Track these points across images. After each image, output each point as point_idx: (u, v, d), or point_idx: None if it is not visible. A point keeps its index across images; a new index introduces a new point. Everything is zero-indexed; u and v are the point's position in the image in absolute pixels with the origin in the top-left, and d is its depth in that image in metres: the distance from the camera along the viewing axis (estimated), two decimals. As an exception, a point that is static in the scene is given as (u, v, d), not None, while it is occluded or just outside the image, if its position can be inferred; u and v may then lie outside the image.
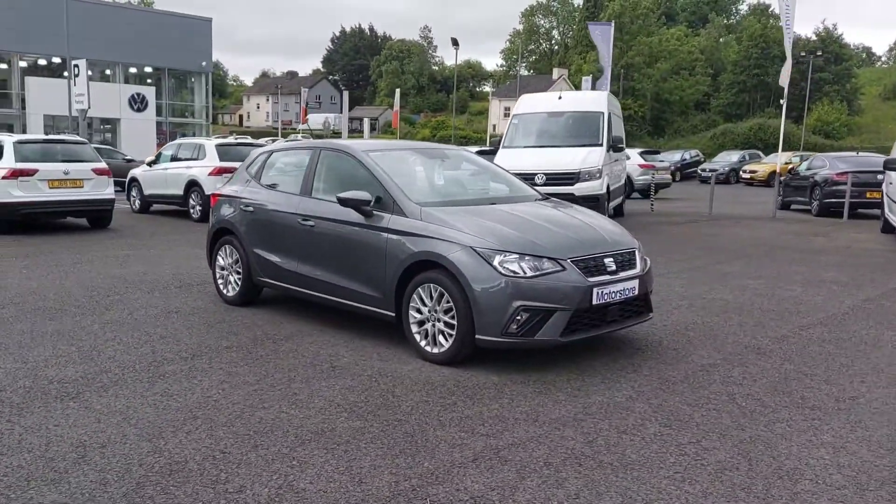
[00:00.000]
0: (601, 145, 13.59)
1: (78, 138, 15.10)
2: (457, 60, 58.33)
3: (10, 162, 12.33)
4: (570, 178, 12.93)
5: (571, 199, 12.66)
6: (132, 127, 38.04)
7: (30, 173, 12.24)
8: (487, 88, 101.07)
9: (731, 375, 4.85)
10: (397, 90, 55.79)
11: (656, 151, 27.71)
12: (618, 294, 5.01)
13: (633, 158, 23.51)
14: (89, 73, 40.00)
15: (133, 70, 42.33)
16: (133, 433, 3.74)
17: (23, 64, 38.36)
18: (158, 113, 40.67)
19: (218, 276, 6.93)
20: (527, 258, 4.77)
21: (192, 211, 14.66)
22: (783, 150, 40.89)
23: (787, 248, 11.40)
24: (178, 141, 17.24)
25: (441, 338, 4.97)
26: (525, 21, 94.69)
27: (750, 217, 16.93)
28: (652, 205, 18.23)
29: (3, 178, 12.16)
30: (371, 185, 5.52)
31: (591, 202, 12.86)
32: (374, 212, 5.40)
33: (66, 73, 39.96)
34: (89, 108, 20.72)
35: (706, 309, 6.85)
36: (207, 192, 13.66)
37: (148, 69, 42.69)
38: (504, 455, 3.54)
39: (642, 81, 66.44)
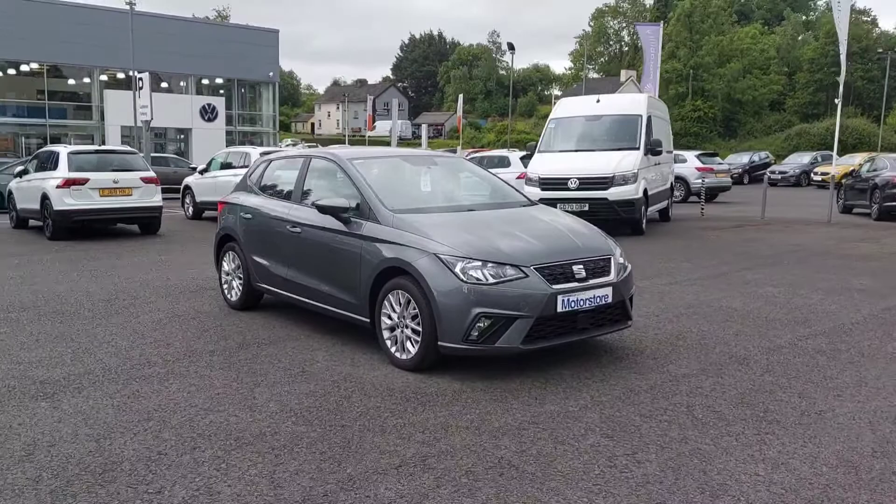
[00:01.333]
0: (638, 149, 13.35)
1: (128, 148, 15.85)
2: (513, 64, 58.47)
3: (64, 172, 13.06)
4: (604, 182, 12.75)
5: (605, 203, 12.58)
6: (203, 136, 39.47)
7: (82, 182, 12.93)
8: (557, 92, 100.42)
9: (701, 386, 4.71)
10: (460, 95, 55.99)
11: (715, 154, 26.92)
12: (587, 301, 4.94)
13: (690, 161, 22.97)
14: (165, 84, 41.96)
15: (205, 81, 43.97)
16: (85, 433, 3.93)
17: (103, 77, 40.39)
18: (228, 122, 42.05)
19: (223, 281, 7.17)
20: (489, 265, 4.76)
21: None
22: (862, 151, 39.14)
23: (827, 253, 10.92)
24: (227, 149, 17.87)
25: (409, 344, 5.01)
26: (595, 23, 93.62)
27: (803, 221, 16.27)
28: (702, 209, 17.72)
29: (58, 186, 12.89)
30: (352, 192, 5.62)
31: (626, 207, 12.70)
32: (352, 219, 5.49)
33: (164, 86, 42.01)
34: (152, 119, 21.62)
35: (708, 317, 6.66)
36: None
37: (219, 80, 44.24)
38: (430, 463, 3.55)
39: (713, 81, 64.62)
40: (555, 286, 4.80)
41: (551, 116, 14.82)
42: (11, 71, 39.22)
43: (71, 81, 41.60)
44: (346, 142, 60.10)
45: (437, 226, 5.13)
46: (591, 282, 5.01)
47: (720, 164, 24.84)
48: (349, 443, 3.80)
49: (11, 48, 35.90)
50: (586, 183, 12.82)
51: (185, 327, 6.30)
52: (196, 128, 39.69)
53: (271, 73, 43.92)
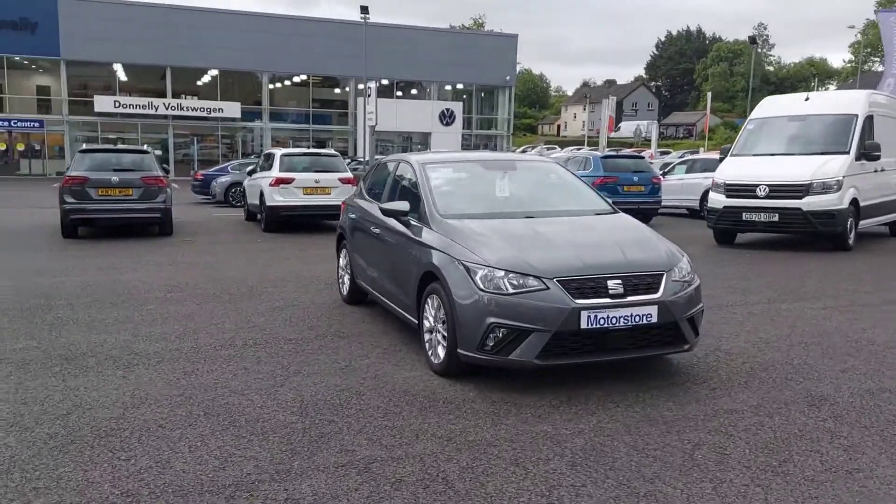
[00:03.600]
0: (847, 153, 11.72)
1: (331, 151, 17.32)
2: (753, 59, 53.34)
3: (276, 171, 14.71)
4: (798, 190, 11.40)
5: (798, 214, 11.26)
6: (440, 140, 41.70)
7: (289, 181, 14.44)
8: (832, 87, 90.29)
9: (735, 425, 4.15)
10: (708, 93, 52.92)
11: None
12: (622, 320, 4.58)
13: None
14: (415, 91, 44.94)
15: (448, 87, 46.40)
16: (123, 402, 4.50)
17: (361, 87, 44.40)
18: (465, 126, 43.96)
19: (338, 276, 7.68)
20: (511, 275, 4.62)
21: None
22: None
23: None
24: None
25: (440, 348, 5.03)
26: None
27: None
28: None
29: (270, 185, 14.54)
30: (418, 195, 5.77)
31: (825, 219, 11.34)
32: (412, 222, 5.63)
33: (398, 94, 45.46)
34: (376, 124, 23.36)
35: (828, 349, 5.76)
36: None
37: (459, 86, 46.41)
38: (371, 467, 3.58)
39: None
40: (580, 301, 4.52)
41: (751, 116, 13.54)
42: (287, 83, 44.65)
43: (337, 91, 46.28)
44: (586, 143, 59.61)
45: (475, 233, 5.08)
46: (631, 299, 4.64)
47: None
48: (319, 439, 3.95)
49: (286, 63, 40.83)
50: (777, 190, 11.55)
51: (289, 316, 6.85)
52: (435, 132, 42.03)
53: (508, 77, 45.07)
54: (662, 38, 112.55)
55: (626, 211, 17.83)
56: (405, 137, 44.42)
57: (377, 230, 6.30)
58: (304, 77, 43.44)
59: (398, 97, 45.71)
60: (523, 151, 56.84)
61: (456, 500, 3.26)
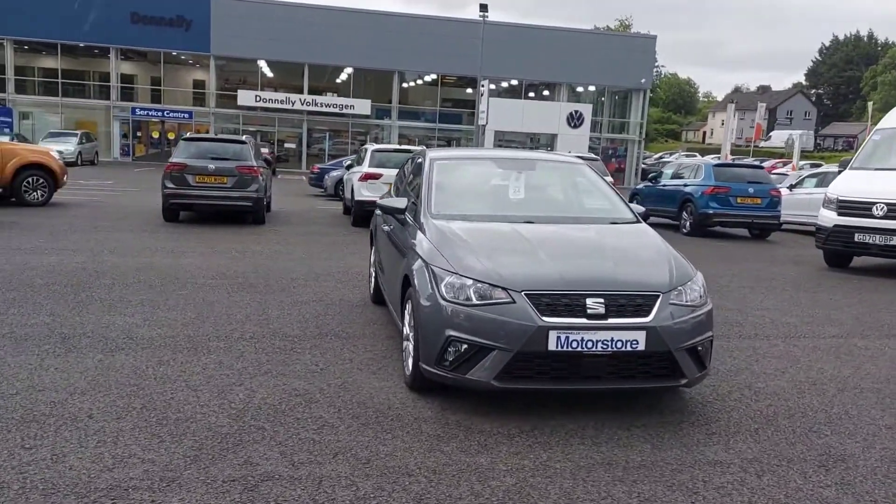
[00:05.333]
0: None
1: (416, 149, 17.15)
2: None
3: (365, 167, 14.76)
4: (922, 211, 9.94)
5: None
6: (567, 142, 40.67)
7: (377, 177, 14.44)
8: None
9: (704, 482, 3.46)
10: (869, 104, 48.28)
11: None
12: (601, 344, 4.00)
13: None
14: (546, 92, 44.26)
15: (580, 89, 45.28)
16: (61, 384, 4.46)
17: (492, 87, 44.25)
18: (593, 129, 42.65)
19: (369, 274, 7.43)
20: (479, 284, 4.15)
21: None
22: None
23: None
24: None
25: (410, 360, 4.63)
26: None
27: None
28: None
29: (359, 179, 14.62)
30: (420, 193, 5.40)
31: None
32: (408, 221, 5.27)
33: (530, 95, 44.98)
34: (486, 123, 23.03)
35: (862, 393, 4.83)
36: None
37: (591, 88, 45.14)
38: (260, 487, 3.25)
39: None
40: (548, 319, 3.98)
41: (878, 126, 11.98)
42: (419, 81, 45.29)
43: (469, 91, 46.36)
44: (728, 152, 56.28)
45: (456, 236, 4.63)
46: (613, 321, 4.04)
47: None
48: (234, 446, 3.67)
49: (418, 62, 41.43)
50: (897, 210, 10.14)
51: (307, 311, 6.65)
52: (562, 133, 40.98)
53: (643, 80, 43.30)
54: (827, 43, 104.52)
55: (740, 225, 16.55)
56: (532, 138, 43.76)
57: (387, 227, 6.00)
58: (434, 76, 43.83)
59: (530, 97, 45.14)
60: (660, 158, 54.53)
61: (321, 535, 2.88)
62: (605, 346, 4.00)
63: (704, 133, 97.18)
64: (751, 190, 15.59)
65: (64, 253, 9.30)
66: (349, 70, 42.39)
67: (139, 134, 42.01)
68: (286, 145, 42.85)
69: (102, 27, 37.96)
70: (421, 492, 3.26)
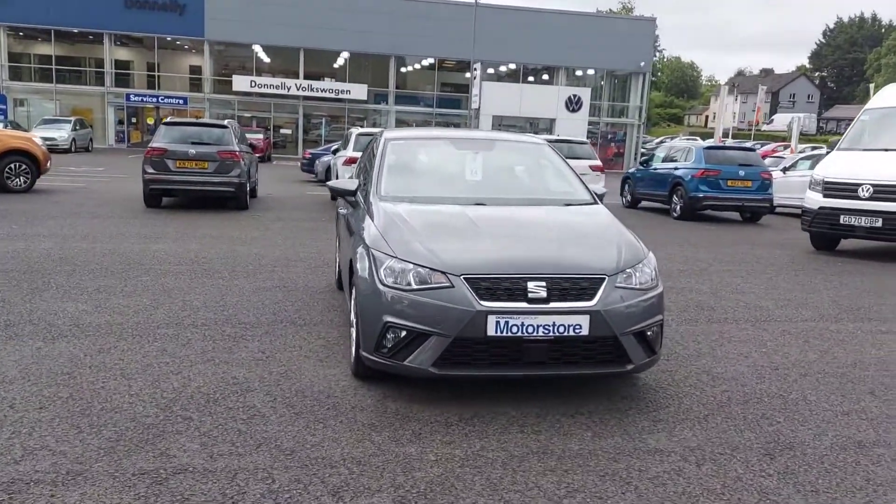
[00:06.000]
0: (978, 150, 9.88)
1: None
2: None
3: (349, 151, 14.58)
4: (908, 192, 9.73)
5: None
6: (565, 126, 40.34)
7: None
8: None
9: (639, 472, 3.31)
10: (871, 86, 47.76)
11: None
12: (542, 329, 3.84)
13: None
14: (546, 77, 43.83)
15: (578, 73, 44.86)
16: (53, 372, 4.33)
17: (491, 71, 43.81)
18: (592, 113, 42.29)
19: (335, 259, 7.28)
20: (419, 269, 3.99)
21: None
22: None
23: None
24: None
25: (353, 347, 4.48)
26: None
27: None
28: None
29: (343, 164, 14.46)
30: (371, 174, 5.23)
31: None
32: (359, 203, 5.11)
33: (529, 79, 44.58)
34: (479, 107, 22.77)
35: (824, 379, 4.67)
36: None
37: (590, 71, 44.72)
38: (170, 481, 3.09)
39: None
40: (487, 303, 3.83)
41: (867, 107, 11.73)
42: (417, 66, 44.89)
43: (468, 75, 45.97)
44: (730, 135, 55.95)
45: (401, 218, 4.46)
46: (555, 305, 3.88)
47: None
48: (154, 437, 3.51)
49: (414, 46, 40.99)
50: (883, 192, 9.92)
51: (264, 298, 6.47)
52: (560, 118, 40.65)
53: (642, 63, 42.87)
54: (831, 25, 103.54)
55: (730, 209, 16.33)
56: (531, 123, 43.41)
57: (342, 211, 5.84)
58: (431, 60, 43.45)
59: (530, 82, 44.73)
60: (661, 143, 54.11)
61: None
62: (546, 332, 3.84)
63: (707, 117, 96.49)
64: (741, 173, 15.37)
65: (34, 239, 9.16)
66: (346, 55, 42.02)
67: (134, 120, 41.77)
68: (282, 131, 42.56)
69: (96, 12, 37.66)
70: (339, 484, 3.12)
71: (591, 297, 3.93)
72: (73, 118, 34.21)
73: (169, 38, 41.06)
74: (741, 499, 3.10)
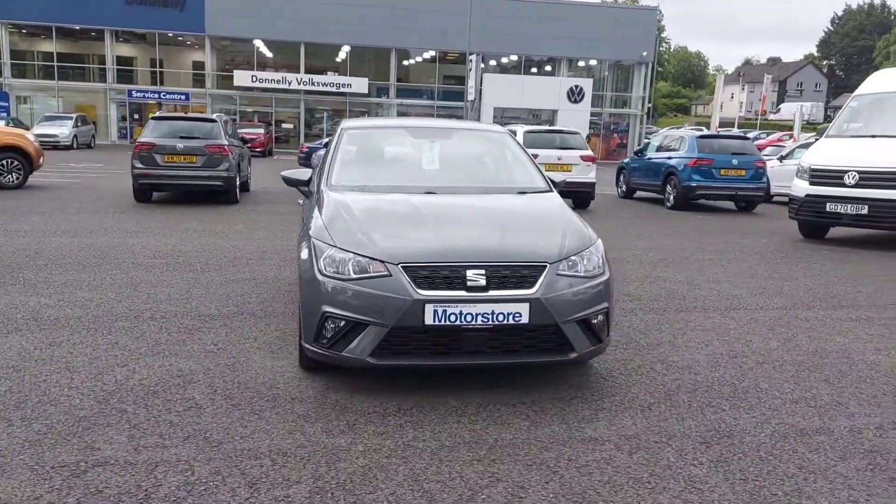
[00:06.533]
0: (965, 136, 9.73)
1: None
2: None
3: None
4: (893, 179, 9.60)
5: (892, 207, 9.50)
6: (567, 118, 40.15)
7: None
8: None
9: (568, 461, 3.26)
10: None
11: None
12: (481, 318, 3.79)
13: None
14: (549, 68, 43.58)
15: (581, 63, 44.62)
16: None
17: (493, 63, 43.62)
18: (595, 104, 42.06)
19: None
20: (357, 258, 3.94)
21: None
22: None
23: None
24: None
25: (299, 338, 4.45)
26: None
27: None
28: None
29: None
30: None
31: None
32: (313, 192, 5.07)
33: (532, 70, 44.37)
34: (475, 99, 22.68)
35: (781, 367, 4.60)
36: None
37: (592, 62, 44.47)
38: (87, 474, 3.05)
39: None
40: (425, 292, 3.78)
41: (856, 93, 11.59)
42: (418, 59, 44.77)
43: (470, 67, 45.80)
44: (735, 125, 55.58)
45: (346, 208, 4.41)
46: (493, 293, 3.82)
47: None
48: (83, 430, 3.47)
49: (415, 38, 40.85)
50: (869, 178, 9.81)
51: (231, 290, 6.46)
52: (562, 109, 40.46)
53: (645, 53, 42.60)
54: (840, 13, 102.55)
55: (723, 198, 16.20)
56: (534, 114, 43.22)
57: (301, 201, 5.80)
58: (433, 53, 43.32)
59: (532, 73, 44.54)
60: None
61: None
62: (485, 320, 3.79)
63: (714, 107, 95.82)
64: (734, 161, 15.23)
65: (14, 235, 9.17)
66: (347, 48, 41.95)
67: (137, 116, 41.88)
68: (284, 125, 42.57)
69: (97, 9, 37.74)
70: (258, 476, 3.08)
71: (531, 285, 3.87)
72: (74, 115, 34.34)
73: (170, 34, 41.12)
74: (666, 487, 3.05)
